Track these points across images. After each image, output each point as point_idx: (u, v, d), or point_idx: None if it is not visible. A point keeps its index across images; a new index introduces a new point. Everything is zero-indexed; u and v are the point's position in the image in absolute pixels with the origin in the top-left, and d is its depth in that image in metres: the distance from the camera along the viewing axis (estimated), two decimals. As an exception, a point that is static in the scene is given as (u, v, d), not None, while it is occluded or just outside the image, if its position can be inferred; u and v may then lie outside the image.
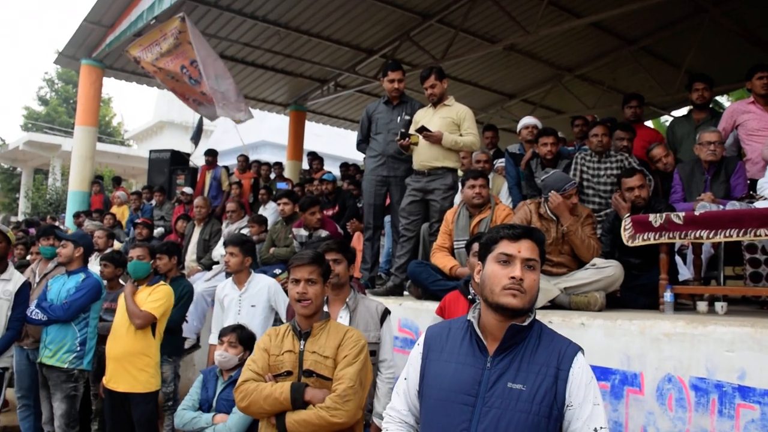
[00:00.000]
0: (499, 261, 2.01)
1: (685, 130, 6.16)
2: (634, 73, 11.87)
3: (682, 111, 11.88)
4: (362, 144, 6.11)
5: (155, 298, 4.64)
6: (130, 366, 4.52)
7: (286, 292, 5.15)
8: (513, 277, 1.96)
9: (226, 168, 11.10)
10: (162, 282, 4.92)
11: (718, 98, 15.53)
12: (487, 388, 1.94)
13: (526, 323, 2.00)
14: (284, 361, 2.89)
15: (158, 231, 9.40)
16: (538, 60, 11.73)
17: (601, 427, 1.94)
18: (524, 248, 2.01)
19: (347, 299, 3.60)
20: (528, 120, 6.63)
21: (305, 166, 12.42)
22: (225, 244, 4.95)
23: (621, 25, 10.73)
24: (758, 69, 5.63)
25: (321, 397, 2.76)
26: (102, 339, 4.91)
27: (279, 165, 11.56)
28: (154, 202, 10.80)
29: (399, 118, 5.74)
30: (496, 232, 2.07)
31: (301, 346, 2.89)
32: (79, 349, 4.91)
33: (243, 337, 4.03)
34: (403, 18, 10.07)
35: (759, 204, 4.27)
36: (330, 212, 8.04)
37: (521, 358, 1.97)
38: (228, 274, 5.88)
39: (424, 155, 5.42)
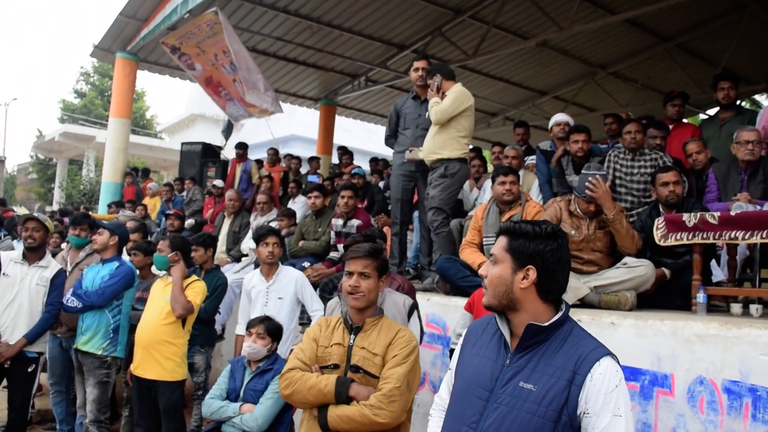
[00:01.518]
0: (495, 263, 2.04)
1: (712, 131, 6.05)
2: (670, 71, 11.65)
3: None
4: (390, 139, 6.12)
5: (195, 293, 4.74)
6: (158, 354, 4.60)
7: (314, 285, 5.23)
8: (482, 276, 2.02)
9: (258, 161, 11.19)
10: (196, 276, 4.99)
11: (757, 97, 15.21)
12: (501, 385, 1.92)
13: (547, 323, 1.93)
14: (332, 353, 2.87)
15: (189, 222, 9.51)
16: (571, 56, 11.59)
17: None
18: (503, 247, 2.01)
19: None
20: (560, 117, 6.56)
21: (335, 160, 12.46)
22: (263, 236, 4.96)
23: (656, 22, 10.55)
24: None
25: (366, 395, 2.72)
26: (133, 329, 5.00)
27: (316, 160, 11.66)
28: (185, 193, 10.93)
29: (427, 113, 5.72)
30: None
31: (351, 341, 2.87)
32: (112, 336, 5.01)
33: (271, 329, 4.06)
34: (435, 13, 10.03)
35: (797, 205, 4.18)
36: (360, 206, 8.09)
37: (540, 358, 1.91)
38: (256, 266, 5.95)
39: (425, 150, 5.59)
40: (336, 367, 2.84)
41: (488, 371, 1.97)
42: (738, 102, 6.49)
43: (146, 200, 11.75)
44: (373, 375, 2.78)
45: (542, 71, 12.23)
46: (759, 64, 11.37)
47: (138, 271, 5.50)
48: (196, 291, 4.78)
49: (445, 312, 4.64)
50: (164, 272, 4.97)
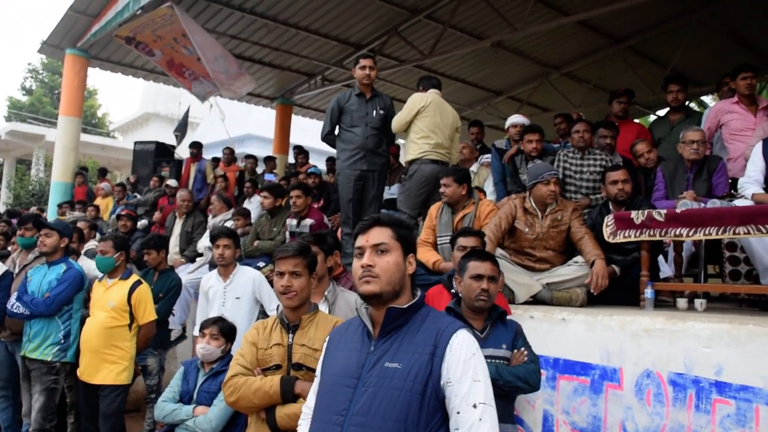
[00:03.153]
0: (356, 255, 2.11)
1: (663, 132, 6.22)
2: (621, 72, 11.89)
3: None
4: (331, 135, 6.05)
5: (142, 300, 4.69)
6: (104, 359, 4.53)
7: (271, 284, 5.20)
8: (362, 266, 2.05)
9: (214, 160, 11.07)
10: (136, 277, 4.89)
11: (704, 98, 15.64)
12: (368, 370, 1.99)
13: (406, 306, 2.04)
14: (273, 354, 2.87)
15: (142, 223, 9.34)
16: (526, 57, 11.74)
17: (482, 403, 1.90)
18: (372, 236, 2.09)
19: (326, 292, 3.60)
20: (516, 119, 6.64)
21: (292, 159, 12.39)
22: (215, 237, 4.93)
23: (608, 24, 10.76)
24: (742, 69, 5.68)
25: None
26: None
27: (272, 159, 11.63)
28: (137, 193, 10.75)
29: (375, 111, 5.77)
30: (357, 232, 2.16)
31: (290, 339, 2.88)
32: (63, 341, 4.84)
33: (224, 329, 4.03)
34: (391, 13, 10.05)
35: (739, 202, 4.31)
36: (315, 206, 8.05)
37: (402, 339, 2.01)
38: (212, 266, 5.88)
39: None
40: (278, 367, 2.86)
41: (354, 361, 2.04)
42: (687, 103, 6.66)
43: (98, 201, 11.50)
44: (316, 370, 2.80)
45: (497, 71, 12.34)
46: (706, 67, 11.70)
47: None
48: (143, 298, 4.72)
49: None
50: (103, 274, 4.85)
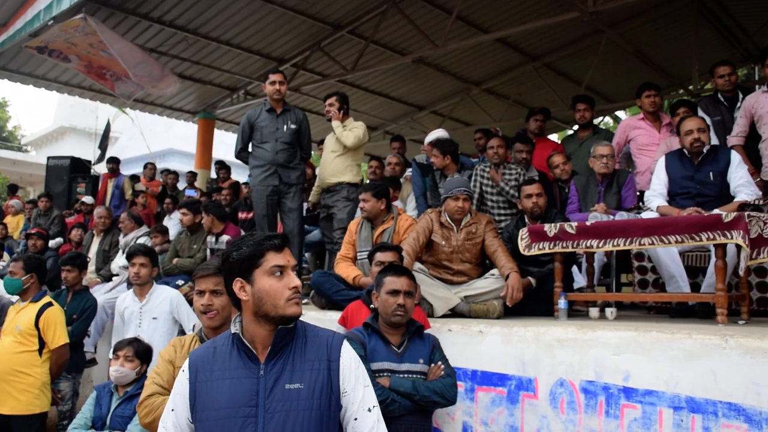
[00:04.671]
0: (273, 274, 1.99)
1: (573, 148, 6.47)
2: (539, 88, 12.28)
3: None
4: (243, 152, 6.04)
5: (53, 323, 4.47)
6: (12, 387, 4.31)
7: (189, 302, 5.08)
8: (294, 287, 1.99)
9: (135, 176, 10.78)
10: (49, 299, 4.70)
11: (618, 113, 16.34)
12: (266, 395, 1.93)
13: (291, 325, 2.02)
14: None
15: (56, 242, 8.97)
16: (447, 73, 11.95)
17: (374, 406, 2.03)
18: (291, 256, 2.06)
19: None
20: (436, 134, 6.74)
21: (214, 175, 12.20)
22: (133, 255, 4.78)
23: (525, 42, 11.09)
24: (646, 87, 5.99)
25: None
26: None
27: (192, 174, 11.37)
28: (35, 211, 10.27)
29: (285, 126, 5.78)
30: (259, 245, 2.01)
31: None
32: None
33: (140, 351, 3.91)
34: (314, 28, 10.04)
35: (645, 215, 4.51)
36: (244, 215, 8.11)
37: (293, 358, 1.99)
38: (129, 286, 5.71)
39: (324, 173, 5.97)
40: None
41: (246, 388, 1.94)
42: (594, 120, 6.96)
43: (8, 219, 10.97)
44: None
45: (420, 87, 12.51)
46: (617, 84, 12.25)
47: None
48: (52, 321, 4.50)
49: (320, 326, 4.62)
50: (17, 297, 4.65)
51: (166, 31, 9.66)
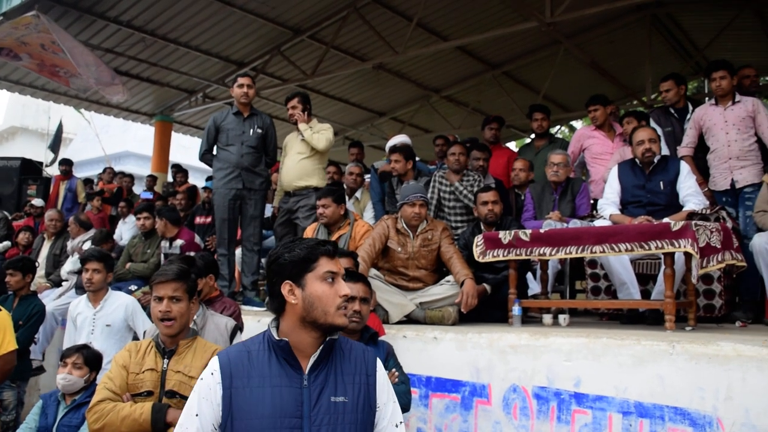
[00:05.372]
0: (326, 279, 1.95)
1: (529, 157, 6.55)
2: (498, 96, 12.44)
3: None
4: (208, 154, 5.98)
5: (2, 335, 4.31)
6: None
7: (144, 308, 4.98)
8: (345, 295, 1.95)
9: (89, 180, 10.56)
10: None
11: (574, 123, 16.64)
12: (311, 406, 1.89)
13: (336, 336, 2.00)
14: (145, 380, 2.75)
15: (4, 245, 8.72)
16: (407, 80, 12.01)
17: (401, 422, 2.07)
18: (340, 264, 2.03)
19: (195, 316, 3.50)
20: (397, 139, 6.77)
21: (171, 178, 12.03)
22: (86, 260, 4.66)
23: (485, 51, 11.23)
24: (590, 102, 6.16)
25: None
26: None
27: (152, 178, 11.28)
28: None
29: (251, 130, 5.74)
30: (314, 249, 1.97)
31: (165, 365, 2.77)
32: None
33: (89, 358, 3.79)
34: (274, 32, 9.99)
35: (598, 222, 4.60)
36: (202, 219, 7.99)
37: (334, 370, 1.96)
38: (79, 291, 5.58)
39: (289, 175, 5.76)
40: (150, 394, 2.73)
41: (290, 397, 1.89)
42: (551, 129, 7.10)
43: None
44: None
45: (380, 93, 12.55)
46: (573, 94, 12.46)
47: None
48: (1, 326, 4.35)
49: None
50: None
51: (123, 31, 9.49)
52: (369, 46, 10.46)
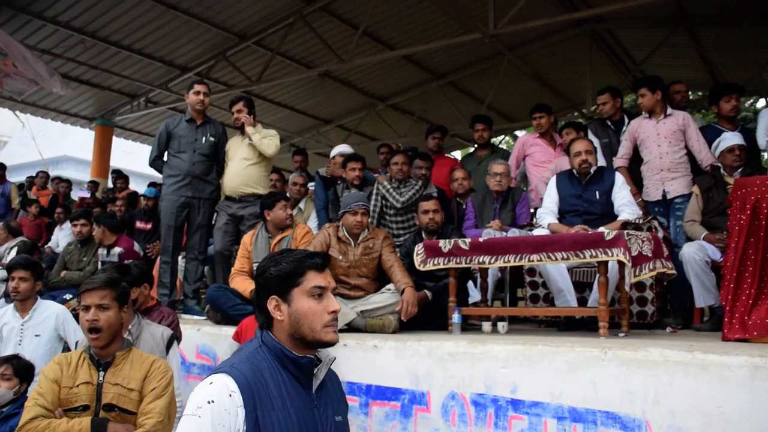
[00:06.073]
0: (313, 295, 1.87)
1: (472, 166, 6.66)
2: (443, 106, 12.60)
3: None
4: (158, 160, 5.88)
5: None
6: None
7: (77, 318, 4.83)
8: (334, 312, 1.88)
9: (23, 184, 10.21)
10: None
11: (517, 132, 16.96)
12: (324, 427, 1.84)
13: (334, 357, 1.98)
14: (80, 393, 2.66)
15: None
16: (353, 88, 12.06)
17: None
18: (331, 278, 1.98)
19: (130, 326, 3.42)
20: (341, 148, 6.79)
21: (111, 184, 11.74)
22: (12, 268, 4.49)
23: (430, 60, 11.37)
24: (535, 110, 6.29)
25: None
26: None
27: (94, 184, 11.09)
28: None
29: (204, 138, 5.67)
30: (301, 263, 1.88)
31: (101, 378, 2.68)
32: None
33: (19, 368, 3.66)
34: (219, 37, 9.89)
35: (537, 231, 4.69)
36: (143, 224, 7.78)
37: (326, 389, 1.93)
38: (6, 299, 5.38)
39: (234, 181, 5.66)
40: (86, 408, 2.64)
41: (309, 419, 1.82)
42: (493, 139, 7.23)
43: None
44: (129, 411, 2.64)
45: (326, 100, 12.56)
46: (516, 104, 12.74)
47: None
48: None
49: (216, 342, 4.53)
50: None
51: (62, 32, 9.26)
52: (315, 53, 10.46)
